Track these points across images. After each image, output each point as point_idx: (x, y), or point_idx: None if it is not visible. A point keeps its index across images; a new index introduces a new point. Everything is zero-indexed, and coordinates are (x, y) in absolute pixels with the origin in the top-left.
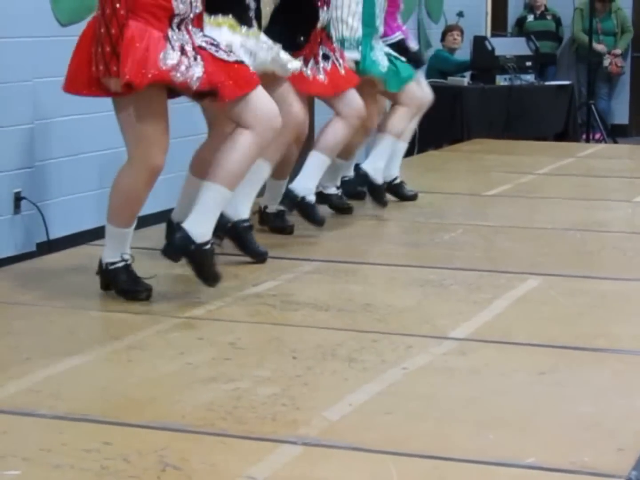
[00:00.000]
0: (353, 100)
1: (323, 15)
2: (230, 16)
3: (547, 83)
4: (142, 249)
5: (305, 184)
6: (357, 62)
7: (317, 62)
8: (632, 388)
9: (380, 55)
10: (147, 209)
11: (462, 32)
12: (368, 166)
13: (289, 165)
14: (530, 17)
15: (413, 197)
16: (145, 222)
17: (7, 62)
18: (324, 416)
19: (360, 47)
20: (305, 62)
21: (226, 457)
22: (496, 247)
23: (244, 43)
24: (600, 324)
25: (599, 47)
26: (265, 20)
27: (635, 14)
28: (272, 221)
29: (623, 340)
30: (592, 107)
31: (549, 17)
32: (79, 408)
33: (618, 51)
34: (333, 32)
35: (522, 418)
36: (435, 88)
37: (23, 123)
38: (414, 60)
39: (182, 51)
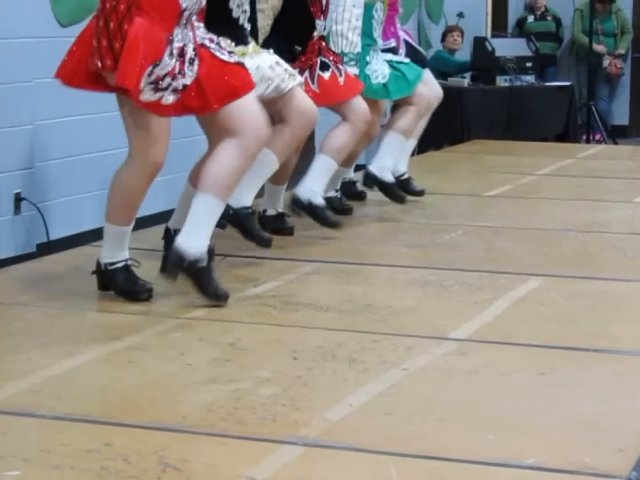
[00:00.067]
0: (358, 105)
1: (320, 25)
2: (225, 37)
3: (547, 84)
4: (140, 250)
5: (311, 187)
6: (355, 76)
7: (312, 73)
8: (632, 389)
9: (379, 65)
10: (146, 210)
11: (462, 32)
12: (374, 167)
13: (287, 171)
14: (531, 18)
15: (420, 193)
16: (143, 223)
17: (7, 62)
18: (324, 417)
19: (359, 63)
20: (301, 72)
21: (226, 457)
22: (496, 247)
23: None
24: (600, 324)
25: (599, 47)
26: (265, 34)
27: (635, 15)
28: (272, 223)
29: (623, 341)
30: (593, 108)
31: (549, 18)
32: (79, 409)
33: (621, 51)
34: (333, 47)
35: (522, 418)
36: None
37: (23, 124)
38: (419, 60)
39: (181, 53)
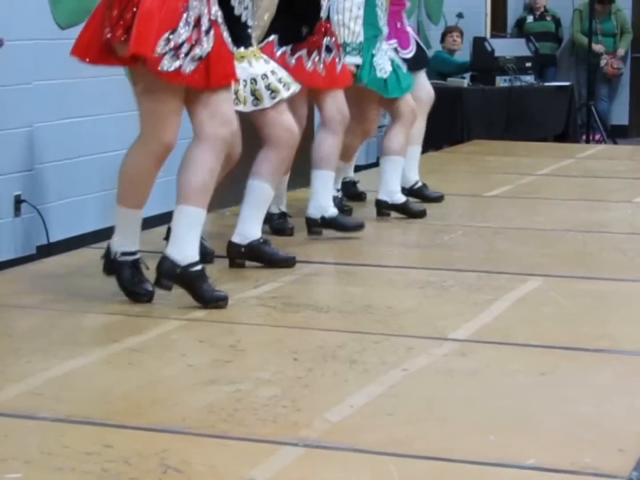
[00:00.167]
0: (341, 104)
1: (325, 5)
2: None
3: (546, 84)
4: (143, 252)
5: (319, 204)
6: (357, 66)
7: (319, 54)
8: (632, 389)
9: (383, 60)
10: (148, 211)
11: (461, 33)
12: (383, 195)
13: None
14: (530, 18)
15: (439, 199)
16: (145, 224)
17: (6, 64)
18: (325, 418)
19: (361, 52)
20: (308, 54)
21: (227, 459)
22: (496, 248)
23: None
24: (600, 324)
25: (597, 47)
26: (264, 29)
27: (634, 15)
28: (275, 220)
29: (623, 341)
30: (592, 108)
31: (548, 18)
32: (80, 411)
33: (621, 52)
34: None
35: (522, 419)
36: (435, 89)
37: (23, 126)
38: (421, 59)
39: (197, 23)
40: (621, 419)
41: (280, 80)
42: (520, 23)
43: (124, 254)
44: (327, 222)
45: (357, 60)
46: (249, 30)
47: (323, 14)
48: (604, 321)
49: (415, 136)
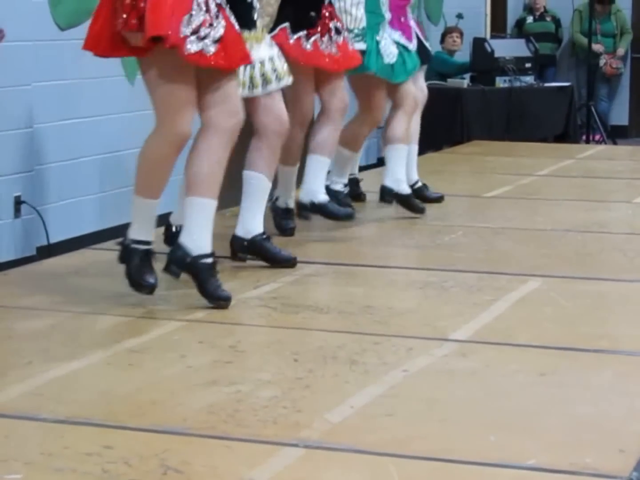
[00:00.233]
0: (338, 93)
1: None
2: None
3: (546, 84)
4: None
5: (310, 188)
6: (362, 53)
7: (330, 37)
8: (633, 389)
9: (389, 45)
10: None
11: (461, 34)
12: (389, 181)
13: (295, 151)
14: (530, 19)
15: (439, 199)
16: None
17: (6, 66)
18: (325, 419)
19: (365, 39)
20: (321, 38)
21: (227, 460)
22: (496, 248)
23: None
24: (600, 325)
25: (596, 46)
26: (273, 16)
27: (634, 15)
28: (280, 215)
29: (624, 341)
30: (592, 108)
31: (548, 19)
32: (80, 412)
33: (621, 51)
34: None
35: (523, 419)
36: (435, 90)
37: (23, 127)
38: (422, 55)
39: (207, 8)
40: (621, 419)
41: (274, 71)
42: (520, 23)
43: (137, 242)
44: (316, 208)
45: (362, 46)
46: (254, 13)
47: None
48: (604, 321)
49: (412, 135)
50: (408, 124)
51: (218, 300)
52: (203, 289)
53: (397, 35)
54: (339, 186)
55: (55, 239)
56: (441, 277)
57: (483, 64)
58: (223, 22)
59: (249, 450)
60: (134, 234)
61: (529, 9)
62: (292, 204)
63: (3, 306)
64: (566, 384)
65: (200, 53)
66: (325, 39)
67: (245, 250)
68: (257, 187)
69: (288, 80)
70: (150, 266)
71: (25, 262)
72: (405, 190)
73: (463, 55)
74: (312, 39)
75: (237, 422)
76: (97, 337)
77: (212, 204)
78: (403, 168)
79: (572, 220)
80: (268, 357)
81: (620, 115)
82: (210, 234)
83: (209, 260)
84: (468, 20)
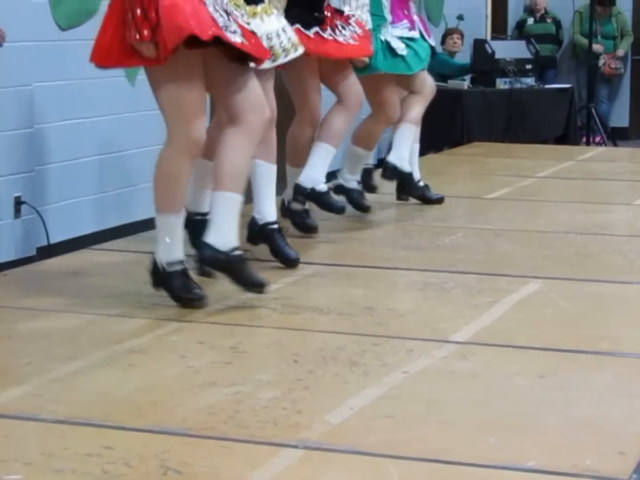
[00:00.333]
0: (354, 85)
1: None
2: None
3: (547, 86)
4: (143, 252)
5: (311, 175)
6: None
7: (341, 31)
8: (633, 391)
9: (394, 41)
10: (149, 212)
11: (462, 35)
12: (393, 157)
13: (305, 152)
14: (530, 20)
15: (439, 201)
16: (146, 225)
17: (6, 66)
18: (325, 420)
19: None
20: (333, 31)
21: (227, 461)
22: (497, 250)
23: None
24: (601, 326)
25: (595, 46)
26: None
27: (635, 17)
28: (300, 215)
29: (624, 343)
30: (592, 110)
31: (549, 20)
32: (80, 412)
33: (620, 52)
34: None
35: (523, 421)
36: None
37: (23, 127)
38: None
39: (222, 15)
40: (622, 421)
41: (289, 40)
42: (520, 25)
43: (171, 263)
44: (315, 196)
45: None
46: None
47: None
48: (604, 323)
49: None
50: (423, 109)
51: (260, 287)
52: (241, 280)
53: (399, 31)
54: (353, 184)
55: (55, 239)
56: (441, 278)
57: (483, 65)
58: (236, 26)
59: (248, 451)
60: (164, 256)
61: (530, 11)
62: (307, 205)
63: (3, 306)
64: (566, 385)
65: (242, 43)
66: (337, 31)
67: (258, 234)
68: (265, 175)
69: (302, 49)
70: (192, 279)
71: (25, 263)
72: (407, 168)
73: (463, 56)
74: (328, 32)
75: (237, 423)
76: (97, 337)
77: (238, 198)
78: (409, 148)
79: (573, 222)
80: (268, 358)
81: (620, 117)
82: (237, 226)
83: (239, 252)
84: (469, 21)
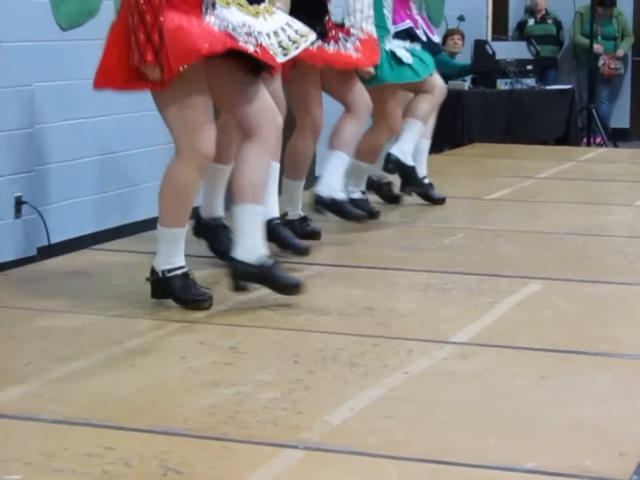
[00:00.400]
0: (362, 93)
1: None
2: None
3: (547, 87)
4: (144, 253)
5: (331, 183)
6: (374, 66)
7: (344, 43)
8: (633, 392)
9: (399, 51)
10: (150, 212)
11: (462, 36)
12: (396, 150)
13: (305, 163)
14: (531, 21)
15: (441, 201)
16: (146, 225)
17: (7, 66)
18: (326, 420)
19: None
20: (336, 43)
21: (228, 461)
22: (497, 251)
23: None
24: (601, 328)
25: (595, 46)
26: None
27: (635, 18)
28: (298, 224)
29: (624, 345)
30: (593, 111)
31: (549, 21)
32: (81, 412)
33: (620, 52)
34: None
35: (523, 422)
36: None
37: (24, 127)
38: (431, 47)
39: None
40: (622, 423)
41: (297, 32)
42: (521, 26)
43: (171, 270)
44: (336, 205)
45: None
46: None
47: (327, 17)
48: (605, 324)
49: (426, 131)
50: (432, 108)
51: (297, 287)
52: (277, 287)
53: (401, 42)
54: (357, 194)
55: (56, 239)
56: (442, 279)
57: (484, 66)
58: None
59: (249, 452)
60: (164, 264)
61: (530, 12)
62: (302, 213)
63: (3, 306)
64: (566, 386)
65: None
66: (340, 43)
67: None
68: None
69: (312, 36)
70: (194, 280)
71: (25, 263)
72: (410, 162)
73: (464, 57)
74: (331, 44)
75: (238, 424)
76: (97, 337)
77: (259, 209)
78: (413, 143)
79: (573, 223)
80: (268, 358)
81: (621, 118)
82: (262, 236)
83: (270, 260)
84: (469, 22)
